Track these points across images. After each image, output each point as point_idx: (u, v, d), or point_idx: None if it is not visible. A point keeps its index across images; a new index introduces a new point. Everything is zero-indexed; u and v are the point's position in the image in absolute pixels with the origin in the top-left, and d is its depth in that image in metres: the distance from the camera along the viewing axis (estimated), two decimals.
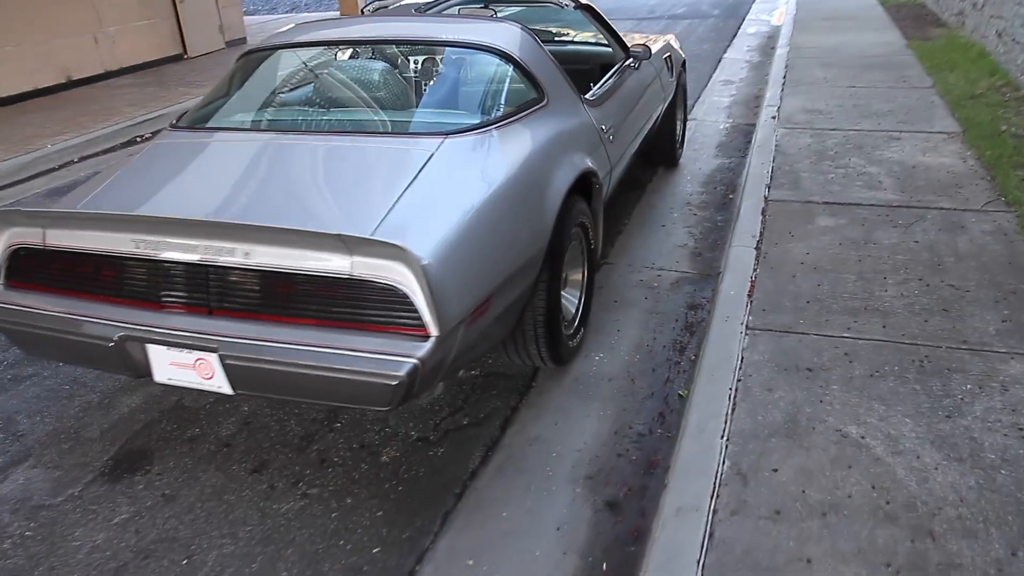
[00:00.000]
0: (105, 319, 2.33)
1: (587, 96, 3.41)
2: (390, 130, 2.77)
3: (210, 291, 2.25)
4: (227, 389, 2.25)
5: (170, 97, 8.44)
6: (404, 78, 2.97)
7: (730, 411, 2.53)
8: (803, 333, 2.96)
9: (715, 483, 2.21)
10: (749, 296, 3.27)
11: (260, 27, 13.28)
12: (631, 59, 4.15)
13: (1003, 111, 5.59)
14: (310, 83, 3.18)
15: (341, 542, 2.29)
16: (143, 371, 2.34)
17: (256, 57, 3.27)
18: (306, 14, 16.29)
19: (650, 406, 2.86)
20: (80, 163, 6.55)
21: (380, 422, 2.81)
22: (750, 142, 5.72)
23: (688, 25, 11.69)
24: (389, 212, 2.23)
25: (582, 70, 4.31)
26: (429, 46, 3.10)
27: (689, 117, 6.63)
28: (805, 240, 3.78)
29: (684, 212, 4.69)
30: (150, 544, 2.31)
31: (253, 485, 2.54)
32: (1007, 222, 3.81)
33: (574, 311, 3.12)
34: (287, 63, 3.21)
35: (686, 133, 5.86)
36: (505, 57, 3.00)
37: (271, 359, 2.13)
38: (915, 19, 10.06)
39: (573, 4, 3.88)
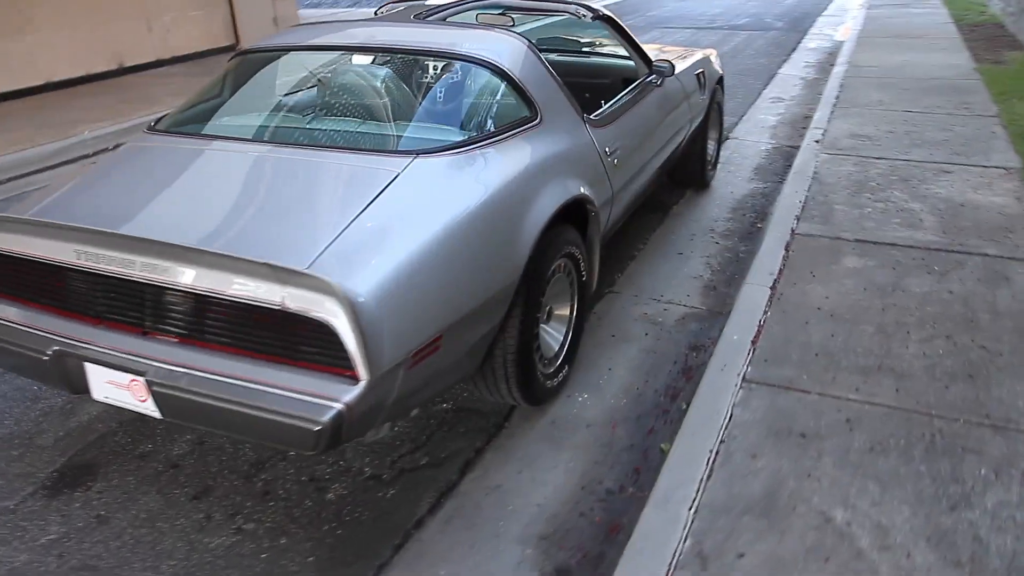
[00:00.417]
0: (44, 331, 2.24)
1: (592, 115, 3.17)
2: (361, 145, 2.60)
3: (145, 311, 2.13)
4: (158, 414, 2.13)
5: None
6: (387, 89, 2.79)
7: (705, 477, 2.28)
8: (804, 391, 2.68)
9: (671, 564, 1.97)
10: (753, 343, 3.00)
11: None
12: (653, 75, 3.89)
13: None
14: (291, 91, 3.04)
15: None
16: (80, 387, 2.23)
17: (244, 60, 3.14)
18: (367, 9, 16.35)
19: (626, 459, 2.62)
20: (115, 151, 6.59)
21: (337, 454, 2.65)
22: (790, 166, 5.37)
23: (747, 37, 11.25)
24: (335, 240, 2.06)
25: (603, 85, 4.07)
26: (417, 56, 2.91)
27: (731, 136, 6.33)
28: (827, 282, 3.47)
29: (705, 240, 4.40)
30: (69, 571, 2.19)
31: (190, 513, 2.40)
32: None
33: (557, 348, 2.89)
34: (272, 68, 3.06)
35: (721, 153, 5.55)
36: (496, 71, 2.79)
37: (196, 390, 2.00)
38: (990, 40, 9.43)
39: (591, 15, 3.63)
